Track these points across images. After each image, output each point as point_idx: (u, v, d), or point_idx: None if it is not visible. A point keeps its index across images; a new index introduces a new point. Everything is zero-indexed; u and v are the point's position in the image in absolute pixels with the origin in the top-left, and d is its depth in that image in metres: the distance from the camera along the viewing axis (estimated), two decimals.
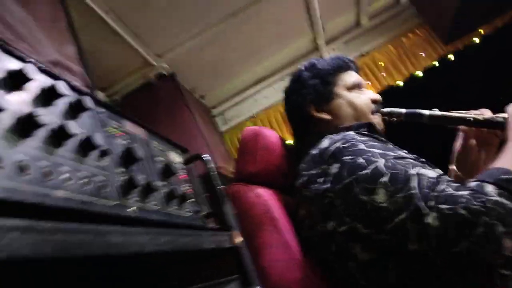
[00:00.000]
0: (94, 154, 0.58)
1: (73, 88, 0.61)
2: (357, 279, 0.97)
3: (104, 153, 0.60)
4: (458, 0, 2.52)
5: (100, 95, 2.60)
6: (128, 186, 0.62)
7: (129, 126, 0.74)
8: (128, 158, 0.66)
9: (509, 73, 2.80)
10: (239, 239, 0.91)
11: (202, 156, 0.92)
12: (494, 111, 1.14)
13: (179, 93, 2.53)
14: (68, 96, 0.57)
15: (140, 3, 2.10)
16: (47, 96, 0.53)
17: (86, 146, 0.56)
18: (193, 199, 0.85)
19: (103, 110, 0.67)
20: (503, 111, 1.09)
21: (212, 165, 0.90)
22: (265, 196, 1.19)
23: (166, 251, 0.62)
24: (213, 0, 2.33)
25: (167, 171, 0.76)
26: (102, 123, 0.65)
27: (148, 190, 0.66)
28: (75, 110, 0.58)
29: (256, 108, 3.34)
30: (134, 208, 0.62)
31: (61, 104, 0.56)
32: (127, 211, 0.60)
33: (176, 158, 0.88)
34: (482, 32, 2.94)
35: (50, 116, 0.52)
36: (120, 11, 2.09)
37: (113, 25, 2.11)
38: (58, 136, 0.52)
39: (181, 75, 2.76)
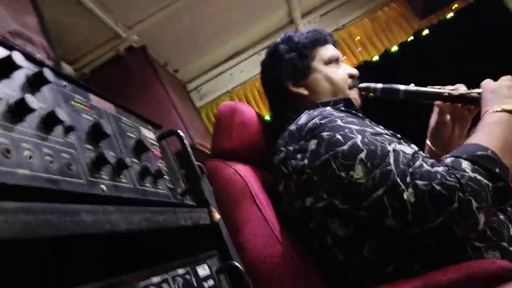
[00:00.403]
0: (58, 130, 0.54)
1: (32, 59, 0.56)
2: (335, 254, 0.98)
3: (69, 129, 0.56)
4: None
5: (68, 69, 2.49)
6: (98, 164, 0.59)
7: (96, 101, 0.70)
8: (96, 134, 0.62)
9: (482, 47, 2.85)
10: (216, 215, 0.89)
11: (176, 131, 0.88)
12: (469, 86, 1.14)
13: (151, 67, 2.44)
14: (26, 68, 0.53)
15: None
16: (2, 68, 0.49)
17: (48, 122, 0.52)
18: (168, 176, 0.82)
19: (66, 83, 0.63)
20: (478, 86, 1.09)
21: (187, 141, 0.87)
22: (242, 172, 1.17)
23: (141, 229, 0.60)
24: None
25: (140, 148, 0.73)
26: (65, 97, 0.61)
27: (119, 167, 0.63)
28: (34, 83, 0.53)
29: (233, 83, 3.29)
30: (105, 186, 0.58)
31: (18, 77, 0.51)
32: (97, 189, 0.57)
33: (149, 134, 0.84)
34: (456, 6, 2.96)
35: (7, 90, 0.48)
36: None
37: None
38: (17, 111, 0.48)
39: (153, 48, 2.66)
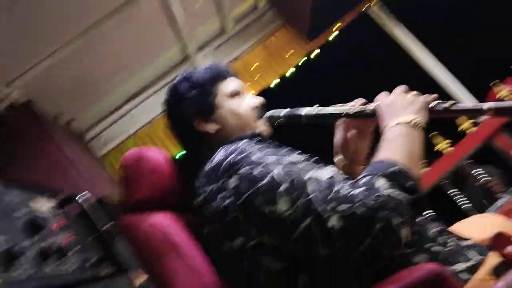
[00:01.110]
0: None
1: None
2: None
3: None
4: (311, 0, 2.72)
5: None
6: None
7: None
8: None
9: (369, 60, 3.14)
10: (140, 278, 0.79)
11: (73, 197, 0.78)
12: (368, 97, 1.20)
13: (38, 123, 2.22)
14: None
15: None
16: None
17: None
18: (76, 248, 0.71)
19: None
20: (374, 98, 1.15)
21: (89, 205, 0.77)
22: (160, 222, 1.08)
23: None
24: (62, 17, 2.10)
25: (33, 226, 0.62)
26: None
27: (9, 257, 0.52)
28: None
29: (135, 126, 3.16)
30: None
31: None
32: None
33: (43, 206, 0.72)
34: (339, 25, 3.22)
35: None
36: None
37: None
38: None
39: (40, 102, 2.44)
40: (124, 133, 3.14)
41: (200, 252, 1.06)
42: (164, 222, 1.09)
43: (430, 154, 2.53)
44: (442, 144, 2.57)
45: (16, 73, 2.22)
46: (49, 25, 2.07)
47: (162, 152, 1.29)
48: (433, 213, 2.06)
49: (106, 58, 2.59)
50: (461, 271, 0.90)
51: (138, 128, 3.15)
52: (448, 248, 0.97)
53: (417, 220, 1.01)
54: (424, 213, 1.05)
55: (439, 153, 2.56)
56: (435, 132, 2.59)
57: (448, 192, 2.39)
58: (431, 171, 2.38)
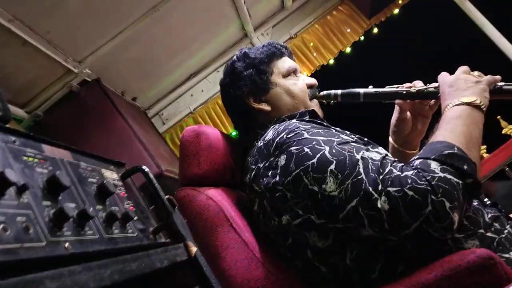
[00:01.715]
0: (10, 192, 0.50)
1: None
2: (317, 267, 0.96)
3: (22, 189, 0.52)
4: None
5: (20, 112, 2.38)
6: (58, 220, 0.55)
7: (50, 151, 0.66)
8: (53, 188, 0.58)
9: (431, 39, 2.96)
10: (193, 249, 0.85)
11: (140, 168, 0.85)
12: (426, 80, 1.17)
13: (107, 99, 2.37)
14: None
15: (48, 8, 1.92)
16: None
17: None
18: (137, 217, 0.78)
19: (14, 138, 0.59)
20: (435, 80, 1.11)
21: (152, 176, 0.84)
22: (215, 196, 1.14)
23: (113, 283, 0.56)
24: None
25: (103, 193, 0.69)
26: (15, 153, 0.57)
27: (82, 219, 0.59)
28: None
29: (194, 104, 3.26)
30: (68, 243, 0.54)
31: None
32: (60, 249, 0.53)
33: (111, 175, 0.80)
34: (401, 2, 3.07)
35: None
36: (27, 18, 1.89)
37: (21, 34, 1.91)
38: None
39: (108, 80, 2.60)
40: (184, 111, 3.26)
41: (249, 227, 1.11)
42: (219, 196, 1.15)
43: (497, 137, 2.39)
44: (508, 128, 2.40)
45: (87, 52, 2.36)
46: (117, 6, 2.18)
47: (219, 130, 1.35)
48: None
49: (168, 37, 2.67)
50: None
51: (197, 106, 3.24)
52: (503, 235, 0.94)
53: (472, 204, 0.98)
54: (481, 198, 1.01)
55: (507, 137, 2.41)
56: (499, 116, 2.42)
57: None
58: (494, 155, 2.25)
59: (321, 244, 0.94)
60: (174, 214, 0.88)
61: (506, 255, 0.88)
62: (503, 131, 2.43)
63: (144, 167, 0.87)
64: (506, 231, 0.96)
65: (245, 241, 1.06)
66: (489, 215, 1.00)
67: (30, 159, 0.59)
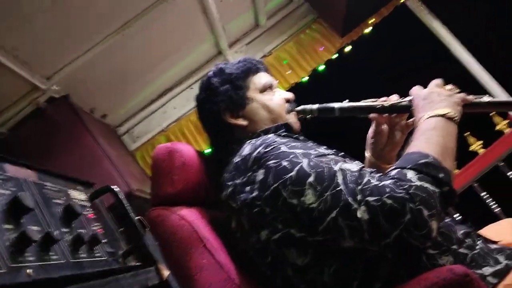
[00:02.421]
0: None
1: None
2: (296, 285, 0.95)
3: None
4: None
5: None
6: (20, 245, 0.51)
7: (13, 171, 0.62)
8: (16, 210, 0.54)
9: (403, 55, 3.06)
10: (165, 272, 0.82)
11: (109, 188, 0.81)
12: (401, 94, 1.19)
13: (76, 116, 2.31)
14: None
15: (16, 23, 1.86)
16: None
17: None
18: (107, 239, 0.74)
19: None
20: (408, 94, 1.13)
21: (123, 196, 0.80)
22: (189, 216, 1.11)
23: None
24: (100, 13, 2.17)
25: (69, 214, 0.65)
26: None
27: (47, 243, 0.55)
28: None
29: (167, 121, 3.21)
30: (31, 269, 0.51)
31: None
32: (21, 276, 0.49)
33: (79, 195, 0.76)
34: (373, 21, 3.16)
35: None
36: None
37: None
38: None
39: (77, 96, 2.53)
40: (156, 128, 3.20)
41: (224, 248, 1.08)
42: (192, 216, 1.12)
43: (465, 154, 2.46)
44: (476, 145, 2.48)
45: (55, 68, 2.31)
46: (86, 22, 2.14)
47: (192, 147, 1.32)
48: (461, 216, 1.99)
49: (140, 54, 2.64)
50: (489, 275, 0.88)
51: (169, 123, 3.20)
52: (476, 251, 0.95)
53: (444, 221, 0.99)
54: (452, 214, 1.03)
55: (474, 154, 2.48)
56: (468, 133, 2.50)
57: (480, 195, 2.31)
58: (463, 172, 2.31)
59: (301, 261, 0.93)
60: (145, 236, 0.85)
61: (479, 271, 0.89)
62: (471, 148, 2.50)
63: (114, 187, 0.84)
64: (477, 247, 0.97)
65: (219, 263, 1.03)
66: (461, 231, 1.01)
67: None
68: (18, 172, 0.64)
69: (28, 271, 0.50)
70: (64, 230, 0.64)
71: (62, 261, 0.58)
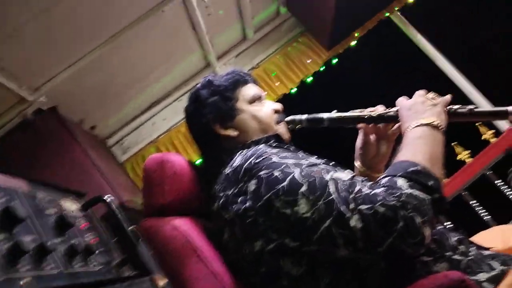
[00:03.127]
0: None
1: None
2: None
3: None
4: (334, 8, 2.73)
5: None
6: (13, 255, 0.50)
7: (4, 181, 0.61)
8: (8, 221, 0.53)
9: (388, 66, 3.11)
10: (160, 283, 0.81)
11: (101, 198, 0.80)
12: (387, 104, 1.20)
13: (64, 128, 2.28)
14: None
15: (3, 35, 1.85)
16: None
17: None
18: (101, 249, 0.73)
19: None
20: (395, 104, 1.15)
21: (115, 206, 0.79)
22: (181, 226, 1.10)
23: None
24: (88, 25, 2.16)
25: (62, 225, 0.64)
26: None
27: (40, 253, 0.54)
28: None
29: (156, 132, 3.20)
30: (28, 279, 0.49)
31: None
32: (18, 285, 0.48)
33: (71, 206, 0.75)
34: (358, 35, 3.22)
35: None
36: None
37: None
38: None
39: (65, 108, 2.50)
40: (146, 139, 3.19)
41: (218, 257, 1.07)
42: (185, 226, 1.11)
43: (452, 164, 2.49)
44: (463, 154, 2.52)
45: (43, 80, 2.29)
46: (73, 34, 2.14)
47: (183, 157, 1.31)
48: (453, 224, 2.02)
49: (128, 66, 2.64)
50: (484, 280, 0.88)
51: (159, 135, 3.19)
52: (470, 257, 0.95)
53: (437, 229, 1.00)
54: (443, 222, 1.04)
55: (462, 163, 2.52)
56: (455, 142, 2.55)
57: (470, 203, 2.34)
58: (452, 181, 2.34)
59: (295, 271, 0.92)
60: (139, 246, 0.84)
61: (474, 277, 0.89)
62: (458, 157, 2.54)
63: (106, 196, 0.83)
64: (471, 253, 0.98)
65: (213, 272, 1.01)
66: (454, 238, 1.02)
67: None
68: (9, 182, 0.62)
69: (22, 282, 0.49)
70: (58, 240, 0.63)
71: (56, 272, 0.56)
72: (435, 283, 0.79)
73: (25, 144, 2.22)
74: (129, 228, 0.80)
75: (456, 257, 0.95)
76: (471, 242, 1.05)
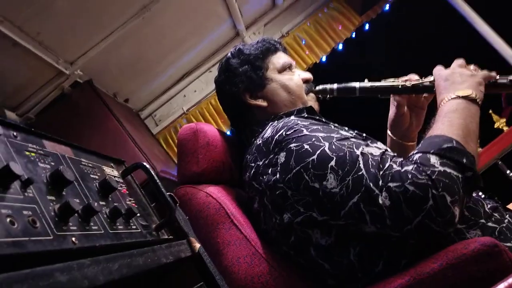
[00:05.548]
0: (15, 186, 0.49)
1: None
2: (321, 265, 0.96)
3: (27, 183, 0.51)
4: None
5: (12, 116, 2.34)
6: (64, 215, 0.54)
7: (51, 146, 0.64)
8: (57, 183, 0.57)
9: (422, 34, 2.99)
10: (196, 245, 0.85)
11: (141, 164, 0.84)
12: (420, 74, 1.17)
13: (100, 100, 2.34)
14: None
15: (38, 9, 1.89)
16: None
17: (3, 179, 0.47)
18: (140, 213, 0.77)
19: (16, 133, 0.57)
20: (430, 73, 1.12)
21: (153, 172, 0.83)
22: (215, 193, 1.13)
23: (122, 277, 0.55)
24: None
25: (106, 189, 0.68)
26: (18, 148, 0.56)
27: (87, 214, 0.58)
28: None
29: (187, 104, 3.24)
30: (75, 238, 0.53)
31: None
32: (67, 243, 0.52)
33: (112, 172, 0.79)
34: None
35: None
36: (16, 19, 1.86)
37: (11, 35, 1.88)
38: None
39: (100, 81, 2.57)
40: (177, 112, 3.23)
41: (249, 224, 1.10)
42: (218, 193, 1.14)
43: (489, 132, 2.42)
44: (500, 122, 2.43)
45: (78, 53, 2.34)
46: (107, 6, 2.16)
47: (215, 128, 1.34)
48: (488, 192, 1.98)
49: (158, 38, 2.66)
50: None
51: (190, 106, 3.22)
52: (504, 224, 0.94)
53: (472, 196, 0.99)
54: (479, 192, 1.02)
55: (500, 131, 2.43)
56: (491, 110, 2.46)
57: (506, 172, 2.27)
58: (488, 150, 2.27)
59: (324, 241, 0.93)
60: (176, 211, 0.87)
61: (508, 244, 0.89)
62: (495, 125, 2.46)
63: (145, 163, 0.86)
64: (506, 220, 0.97)
65: (246, 237, 1.05)
66: (489, 206, 1.01)
67: (33, 154, 0.58)
68: (56, 148, 0.66)
69: (73, 239, 0.53)
70: (102, 203, 0.66)
71: (101, 231, 0.60)
72: (468, 248, 0.79)
73: (63, 116, 2.31)
74: (167, 194, 0.84)
75: (490, 224, 0.94)
76: (507, 209, 1.04)
